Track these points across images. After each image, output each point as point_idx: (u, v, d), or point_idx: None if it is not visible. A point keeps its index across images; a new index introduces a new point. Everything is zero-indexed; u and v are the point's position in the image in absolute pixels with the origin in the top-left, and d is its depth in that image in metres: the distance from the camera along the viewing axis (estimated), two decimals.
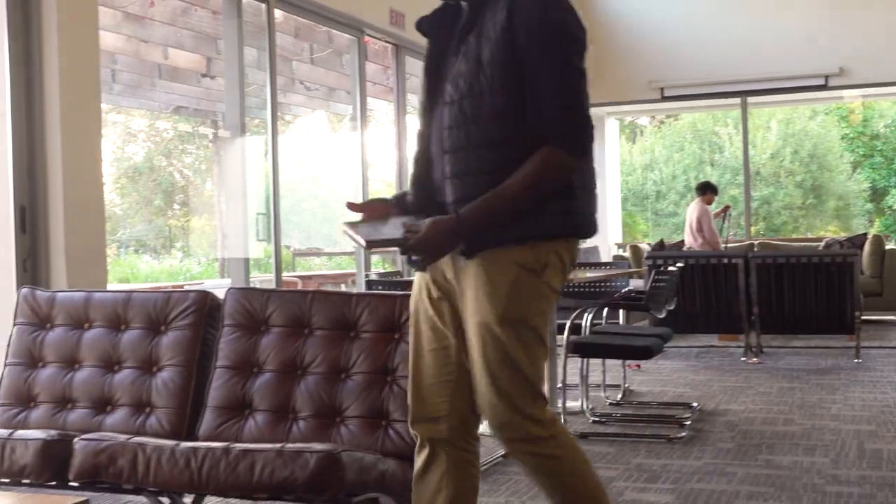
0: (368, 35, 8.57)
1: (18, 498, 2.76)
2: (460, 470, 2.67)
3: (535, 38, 2.42)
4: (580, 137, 2.51)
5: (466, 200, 2.44)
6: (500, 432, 2.57)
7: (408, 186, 2.73)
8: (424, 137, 2.65)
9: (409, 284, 5.23)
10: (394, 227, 2.57)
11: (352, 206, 2.66)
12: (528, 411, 2.52)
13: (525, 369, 2.50)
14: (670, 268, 6.31)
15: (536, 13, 2.43)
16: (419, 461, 2.68)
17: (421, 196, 2.64)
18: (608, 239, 14.45)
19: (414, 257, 2.50)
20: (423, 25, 2.70)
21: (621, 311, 6.94)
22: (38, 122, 4.76)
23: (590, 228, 2.60)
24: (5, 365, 3.84)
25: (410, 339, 2.72)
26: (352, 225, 2.62)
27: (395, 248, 2.61)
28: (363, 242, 2.55)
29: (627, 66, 13.15)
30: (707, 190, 12.14)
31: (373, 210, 2.68)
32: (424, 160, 2.64)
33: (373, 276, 5.67)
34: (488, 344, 2.48)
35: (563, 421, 5.55)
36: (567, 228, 2.54)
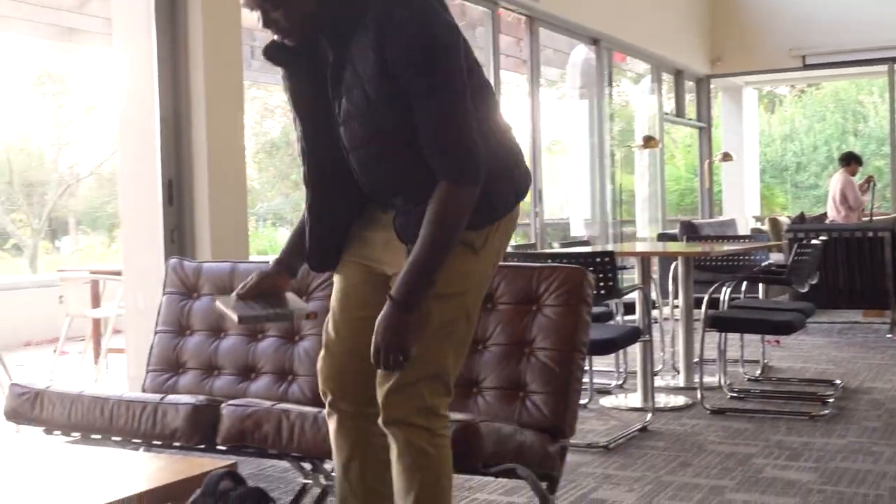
0: (502, 7, 8.53)
1: (170, 460, 2.87)
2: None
3: (407, 66, 2.31)
4: (467, 167, 2.35)
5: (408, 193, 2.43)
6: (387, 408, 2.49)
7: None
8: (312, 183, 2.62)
9: (545, 256, 5.24)
10: (267, 304, 2.58)
11: (241, 295, 2.63)
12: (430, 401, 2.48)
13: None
14: (813, 241, 6.12)
15: (403, 37, 2.30)
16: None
17: (299, 244, 2.67)
18: (746, 212, 14.13)
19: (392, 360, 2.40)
20: (276, 55, 2.52)
21: (760, 286, 6.77)
22: (183, 99, 4.91)
23: (507, 205, 2.54)
24: (156, 332, 3.99)
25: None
26: (223, 300, 2.64)
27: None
28: (234, 318, 2.54)
29: (767, 33, 12.77)
30: (851, 161, 11.73)
31: (259, 289, 2.64)
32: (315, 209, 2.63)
33: (508, 248, 5.67)
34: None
35: (699, 396, 5.47)
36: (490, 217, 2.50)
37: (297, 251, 2.71)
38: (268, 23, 2.39)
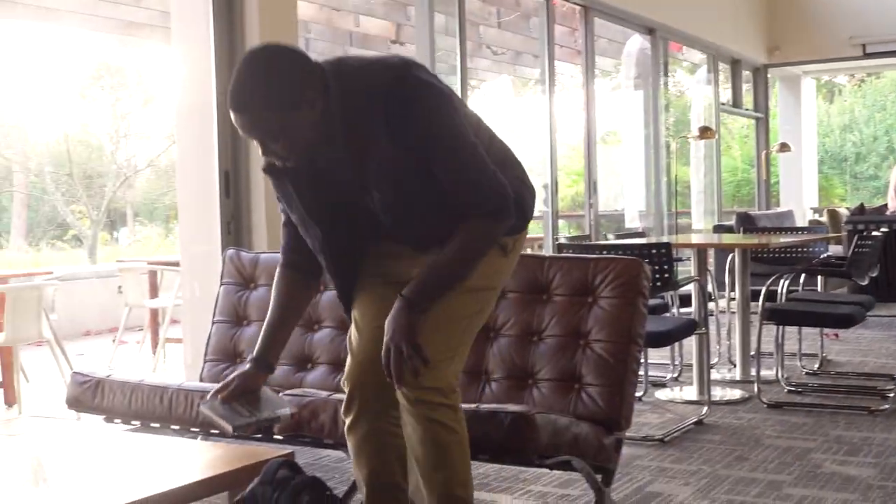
0: None
1: (228, 449, 2.91)
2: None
3: (417, 139, 2.45)
4: (502, 205, 2.54)
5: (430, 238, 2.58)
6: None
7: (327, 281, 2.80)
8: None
9: (601, 247, 5.21)
10: (252, 406, 2.67)
11: (218, 394, 2.70)
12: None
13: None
14: (874, 233, 6.02)
15: (408, 118, 2.43)
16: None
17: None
18: (804, 203, 13.94)
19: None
20: (277, 171, 2.57)
21: (819, 278, 6.68)
22: None
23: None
24: (213, 322, 4.03)
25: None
26: (209, 406, 2.68)
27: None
28: (228, 428, 2.61)
29: (826, 21, 12.57)
30: None
31: (242, 390, 2.71)
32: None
33: (562, 240, 5.65)
34: None
35: (756, 390, 5.41)
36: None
37: (274, 346, 2.81)
38: (267, 152, 2.45)
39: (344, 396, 2.75)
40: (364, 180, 2.54)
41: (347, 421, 2.74)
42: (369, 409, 2.70)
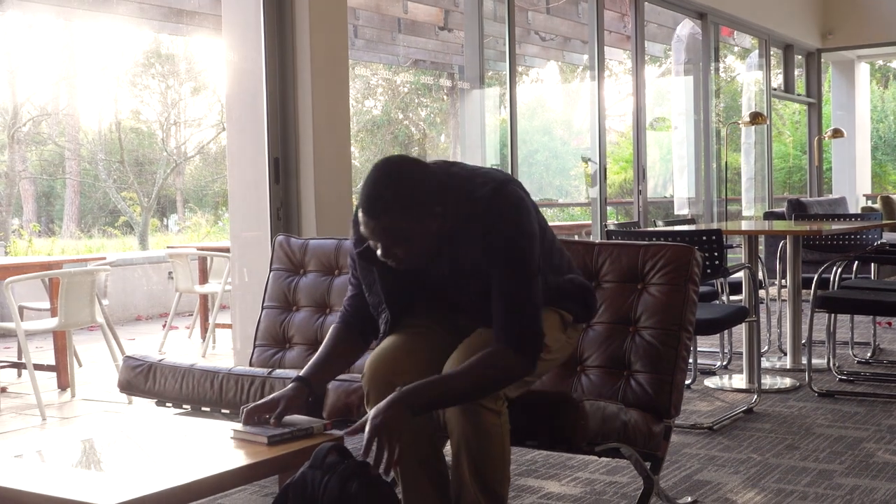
0: None
1: None
2: None
3: (497, 261, 2.62)
4: (532, 345, 2.64)
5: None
6: None
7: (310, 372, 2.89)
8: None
9: (651, 234, 5.17)
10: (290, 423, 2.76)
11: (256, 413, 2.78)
12: None
13: None
14: None
15: (498, 235, 2.61)
16: None
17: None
18: (857, 190, 13.74)
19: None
20: (371, 255, 2.73)
21: (873, 266, 6.58)
22: (290, 79, 4.97)
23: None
24: (263, 308, 4.06)
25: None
26: (246, 425, 2.76)
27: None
28: (263, 440, 2.66)
29: (881, 5, 12.34)
30: None
31: (286, 412, 2.79)
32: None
33: (611, 226, 5.62)
34: None
35: (807, 378, 5.35)
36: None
37: (322, 375, 2.91)
38: (387, 255, 2.61)
39: None
40: (454, 276, 2.71)
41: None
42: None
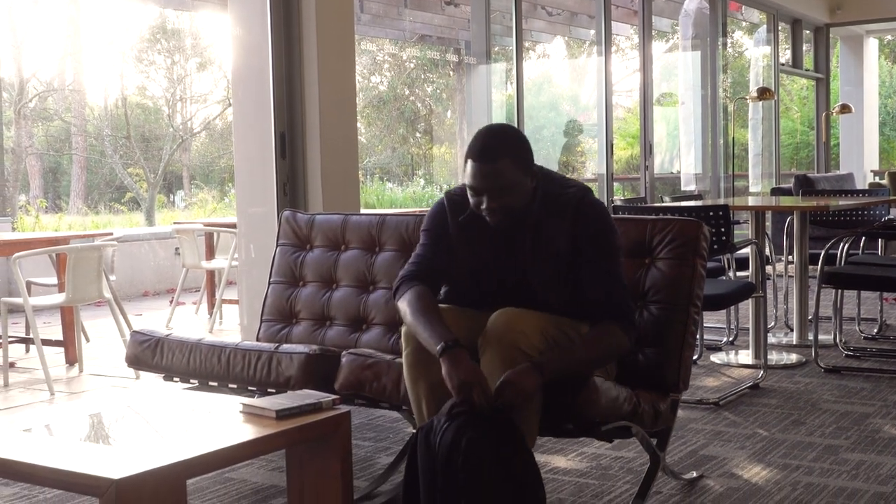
0: None
1: None
2: None
3: (591, 245, 2.87)
4: (633, 320, 2.89)
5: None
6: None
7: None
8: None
9: (658, 209, 5.16)
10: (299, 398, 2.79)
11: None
12: None
13: None
14: None
15: (592, 230, 2.87)
16: None
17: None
18: (864, 166, 13.70)
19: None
20: (473, 225, 2.93)
21: (879, 241, 6.57)
22: (296, 53, 4.95)
23: None
24: (269, 283, 4.07)
25: None
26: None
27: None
28: (272, 413, 2.67)
29: None
30: None
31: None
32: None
33: (618, 202, 5.61)
34: None
35: (814, 354, 5.35)
36: None
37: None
38: (492, 203, 2.80)
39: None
40: (536, 256, 2.88)
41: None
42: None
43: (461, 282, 2.99)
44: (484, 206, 2.82)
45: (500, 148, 2.81)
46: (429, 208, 3.11)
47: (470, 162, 2.82)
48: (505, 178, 2.79)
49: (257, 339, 3.97)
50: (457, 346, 2.67)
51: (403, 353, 2.85)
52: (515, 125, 7.26)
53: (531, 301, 2.84)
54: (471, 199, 2.86)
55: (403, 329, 2.87)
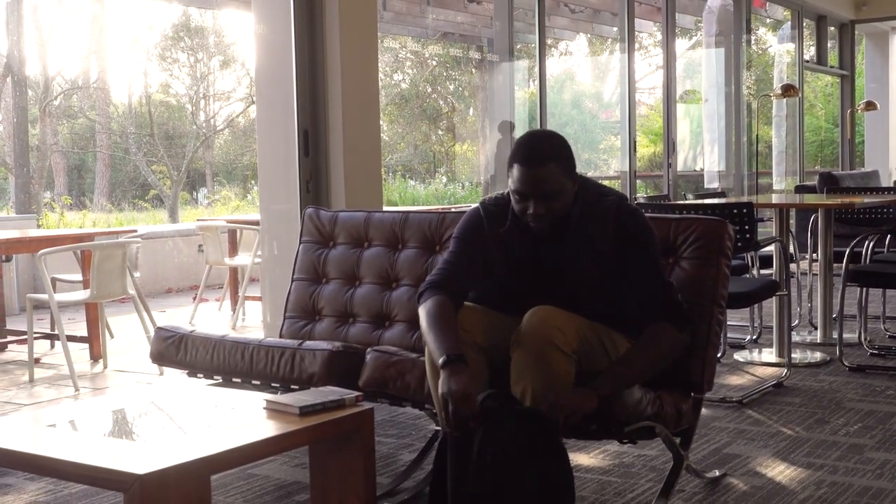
0: None
1: None
2: None
3: (635, 250, 2.91)
4: (686, 319, 2.94)
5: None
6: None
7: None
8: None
9: (682, 207, 5.14)
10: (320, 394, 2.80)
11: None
12: None
13: None
14: None
15: (634, 230, 2.92)
16: None
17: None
18: (889, 163, 13.60)
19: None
20: (516, 236, 2.95)
21: None
22: (319, 51, 4.96)
23: None
24: (292, 280, 4.08)
25: None
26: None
27: None
28: (295, 410, 2.67)
29: None
30: None
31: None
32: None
33: (641, 200, 5.59)
34: None
35: (838, 353, 5.32)
36: None
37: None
38: (538, 208, 2.83)
39: None
40: (576, 259, 2.91)
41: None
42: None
43: (497, 286, 2.99)
44: (530, 212, 2.84)
45: (548, 153, 2.84)
46: (452, 206, 3.14)
47: (517, 167, 2.84)
48: (552, 183, 2.82)
49: (280, 336, 3.98)
50: (459, 360, 2.65)
51: (426, 354, 2.85)
52: (538, 123, 7.25)
53: (567, 305, 2.83)
54: (515, 205, 2.88)
55: None
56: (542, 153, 2.83)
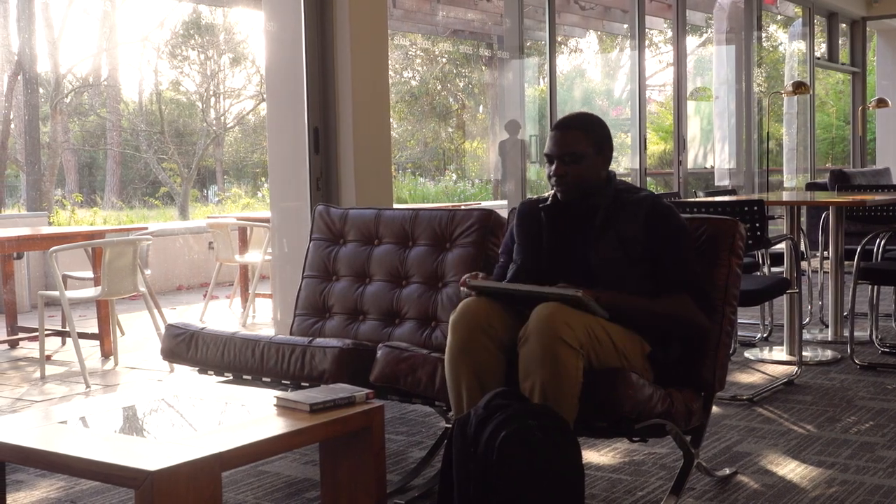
0: None
1: None
2: None
3: (668, 239, 3.02)
4: (708, 301, 3.05)
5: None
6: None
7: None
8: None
9: (693, 205, 5.13)
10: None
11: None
12: None
13: None
14: None
15: (667, 222, 3.04)
16: None
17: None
18: None
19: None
20: (555, 213, 3.12)
21: None
22: (329, 49, 4.96)
23: None
24: (303, 278, 4.09)
25: None
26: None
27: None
28: (306, 407, 2.69)
29: None
30: None
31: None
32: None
33: None
34: None
35: (849, 351, 5.30)
36: None
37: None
38: (560, 168, 3.03)
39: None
40: (597, 240, 3.02)
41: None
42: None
43: (525, 271, 3.11)
44: (552, 173, 3.05)
45: (578, 122, 3.10)
46: (462, 203, 3.21)
47: (550, 133, 3.12)
48: (575, 146, 3.03)
49: (291, 333, 3.99)
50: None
51: (448, 342, 2.86)
52: (548, 120, 7.24)
53: (589, 281, 2.95)
54: (546, 170, 3.11)
55: (452, 317, 2.88)
56: (574, 120, 3.10)
